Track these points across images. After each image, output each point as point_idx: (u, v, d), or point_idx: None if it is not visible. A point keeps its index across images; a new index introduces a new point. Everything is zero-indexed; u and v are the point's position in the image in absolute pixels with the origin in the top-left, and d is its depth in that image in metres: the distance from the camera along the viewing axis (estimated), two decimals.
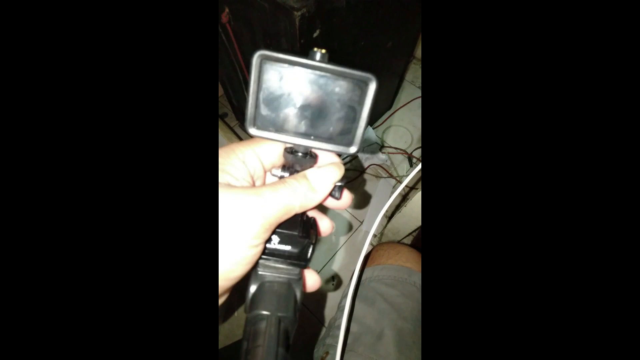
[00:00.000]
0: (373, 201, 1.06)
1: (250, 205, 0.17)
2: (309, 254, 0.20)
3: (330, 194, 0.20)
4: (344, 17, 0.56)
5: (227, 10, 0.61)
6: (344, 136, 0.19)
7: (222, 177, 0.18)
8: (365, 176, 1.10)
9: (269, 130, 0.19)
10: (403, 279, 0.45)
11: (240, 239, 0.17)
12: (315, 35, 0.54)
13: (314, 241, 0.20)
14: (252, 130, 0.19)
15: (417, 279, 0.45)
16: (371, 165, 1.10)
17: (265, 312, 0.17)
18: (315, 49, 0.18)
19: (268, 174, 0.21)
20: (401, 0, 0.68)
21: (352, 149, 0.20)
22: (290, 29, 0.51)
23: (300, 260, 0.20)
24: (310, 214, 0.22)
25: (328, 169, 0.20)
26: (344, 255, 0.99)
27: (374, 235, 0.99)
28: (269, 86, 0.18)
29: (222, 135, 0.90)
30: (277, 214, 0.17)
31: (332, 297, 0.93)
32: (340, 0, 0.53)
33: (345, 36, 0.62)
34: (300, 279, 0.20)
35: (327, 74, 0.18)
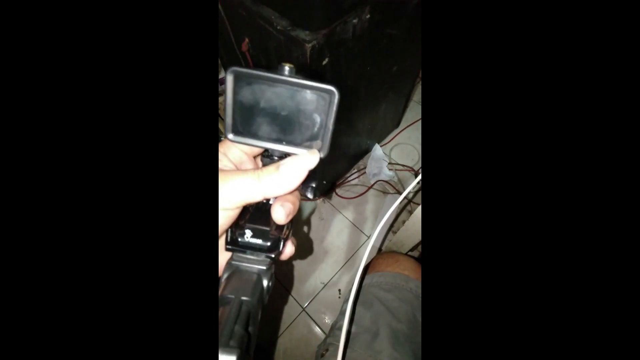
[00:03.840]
0: (380, 216, 1.09)
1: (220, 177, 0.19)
2: (279, 249, 0.21)
3: (304, 194, 0.22)
4: (351, 47, 0.63)
5: (247, 40, 0.69)
6: (313, 142, 0.21)
7: None
8: (373, 192, 1.14)
9: (245, 137, 0.21)
10: (400, 285, 0.48)
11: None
12: (324, 62, 0.60)
13: (285, 237, 0.22)
14: (230, 137, 0.21)
15: (414, 285, 0.48)
16: (378, 181, 1.14)
17: (230, 296, 0.19)
18: (284, 64, 0.19)
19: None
20: (405, 29, 0.74)
21: (322, 152, 0.21)
22: (302, 58, 0.57)
23: (271, 253, 0.21)
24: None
25: (300, 157, 0.20)
26: (350, 268, 1.02)
27: (379, 249, 1.02)
28: (243, 98, 0.20)
29: None
30: (236, 191, 0.19)
31: (339, 308, 0.95)
32: (347, 33, 0.59)
33: (353, 63, 0.68)
34: (270, 269, 0.21)
35: (294, 87, 0.19)
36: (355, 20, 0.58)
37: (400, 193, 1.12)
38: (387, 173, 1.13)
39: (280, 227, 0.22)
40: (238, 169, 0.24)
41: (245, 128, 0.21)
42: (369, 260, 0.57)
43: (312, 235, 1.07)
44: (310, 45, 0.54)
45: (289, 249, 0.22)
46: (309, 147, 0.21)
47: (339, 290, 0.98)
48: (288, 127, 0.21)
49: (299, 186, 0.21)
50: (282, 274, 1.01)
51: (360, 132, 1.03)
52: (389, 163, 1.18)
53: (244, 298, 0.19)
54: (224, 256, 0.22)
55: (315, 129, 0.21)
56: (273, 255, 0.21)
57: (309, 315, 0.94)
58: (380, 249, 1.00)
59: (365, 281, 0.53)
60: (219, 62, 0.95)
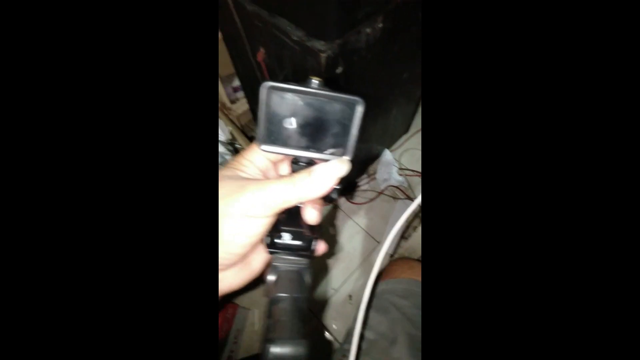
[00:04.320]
0: (390, 222, 1.09)
1: (251, 185, 0.21)
2: (313, 247, 0.23)
3: (328, 196, 0.23)
4: (364, 55, 0.64)
5: (262, 50, 0.71)
6: (338, 148, 0.23)
7: (233, 172, 0.23)
8: (383, 197, 1.14)
9: (277, 146, 0.22)
10: (415, 292, 0.48)
11: (239, 211, 0.21)
12: (338, 71, 0.61)
13: (318, 237, 0.23)
14: (263, 147, 0.23)
15: None
16: (388, 187, 1.14)
17: (283, 295, 0.21)
18: (312, 77, 0.21)
19: (281, 169, 0.26)
20: (416, 37, 0.75)
21: (347, 158, 0.23)
22: (317, 67, 0.58)
23: (307, 252, 0.23)
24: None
25: (331, 164, 0.22)
26: (361, 274, 1.01)
27: (390, 255, 1.02)
28: (275, 110, 0.21)
29: None
30: (274, 197, 0.21)
31: (351, 315, 0.95)
32: (361, 42, 0.61)
33: (365, 70, 0.69)
34: (309, 267, 0.23)
35: (322, 98, 0.21)
36: (368, 30, 0.60)
37: (410, 198, 1.12)
38: (397, 178, 1.13)
39: (312, 228, 0.24)
40: (265, 177, 0.25)
41: (276, 138, 0.22)
42: (383, 266, 0.57)
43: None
44: (325, 55, 0.55)
45: (322, 246, 0.24)
46: (335, 154, 0.23)
47: (350, 296, 0.98)
48: (316, 136, 0.22)
49: (330, 190, 0.22)
50: None
51: (371, 137, 1.04)
52: (399, 168, 1.18)
53: (295, 295, 0.21)
54: (262, 256, 0.25)
55: (341, 137, 0.23)
56: (310, 254, 0.23)
57: (321, 322, 0.94)
58: (391, 255, 1.00)
59: (379, 287, 0.53)
60: (234, 71, 0.97)
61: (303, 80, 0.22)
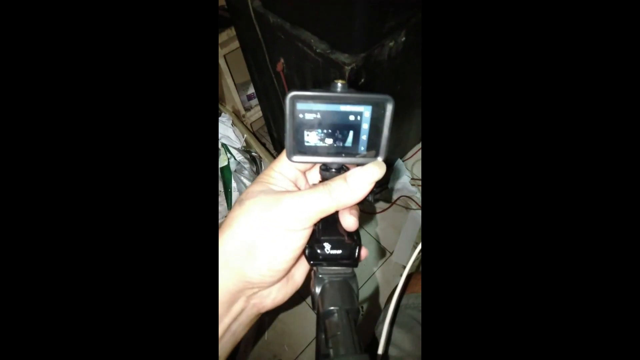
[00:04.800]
0: (403, 232, 1.08)
1: (286, 198, 0.20)
2: (357, 254, 0.22)
3: (365, 200, 0.22)
4: (385, 68, 0.64)
5: (282, 60, 0.71)
6: (370, 150, 0.22)
7: (264, 186, 0.23)
8: (395, 207, 1.13)
9: (307, 155, 0.22)
10: None
11: (278, 226, 0.20)
12: (360, 83, 0.61)
13: (359, 243, 0.22)
14: (294, 158, 0.22)
15: None
16: (401, 197, 1.13)
17: (334, 308, 0.20)
18: (336, 81, 0.20)
19: (310, 176, 0.25)
20: None
21: (379, 159, 0.22)
22: (340, 79, 0.59)
23: (351, 260, 0.22)
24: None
25: (367, 168, 0.21)
26: (373, 284, 1.00)
27: (404, 267, 1.01)
28: (302, 119, 0.21)
29: (265, 158, 0.99)
30: (312, 208, 0.20)
31: (363, 325, 0.94)
32: (383, 55, 0.61)
33: (385, 82, 0.69)
34: (354, 275, 0.22)
35: (349, 103, 0.20)
36: (391, 43, 0.60)
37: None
38: (409, 189, 1.13)
39: (351, 234, 0.23)
40: (297, 187, 0.25)
41: (305, 147, 0.22)
42: (399, 279, 0.56)
43: None
44: (349, 67, 0.56)
45: (364, 252, 0.23)
46: (367, 156, 0.22)
47: (362, 306, 0.97)
48: (345, 140, 0.22)
49: (367, 195, 0.21)
50: (305, 289, 1.00)
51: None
52: (412, 179, 1.17)
53: (346, 307, 0.20)
54: (304, 269, 0.25)
55: (373, 138, 0.22)
56: (354, 262, 0.22)
57: None
58: (404, 267, 0.99)
59: (401, 302, 0.52)
60: (250, 79, 0.98)
61: (327, 85, 0.21)
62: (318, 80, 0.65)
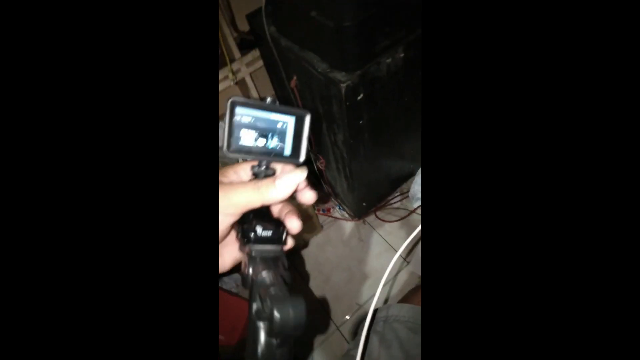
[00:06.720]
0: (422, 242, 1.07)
1: (224, 187, 0.24)
2: (284, 236, 0.27)
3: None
4: (386, 82, 0.67)
5: (295, 77, 0.78)
6: (294, 152, 0.27)
7: (220, 177, 0.27)
8: (415, 216, 1.12)
9: (239, 152, 0.25)
10: None
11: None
12: (359, 98, 0.65)
13: (284, 227, 0.27)
14: (227, 153, 0.25)
15: None
16: (420, 206, 1.12)
17: (265, 272, 0.24)
18: (267, 97, 0.25)
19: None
20: None
21: (300, 160, 0.27)
22: (338, 94, 0.64)
23: (280, 240, 0.27)
24: (286, 211, 0.28)
25: (293, 173, 0.25)
26: (386, 293, 1.01)
27: (419, 277, 1.00)
28: (238, 121, 0.25)
29: None
30: (242, 199, 0.24)
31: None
32: (381, 71, 0.64)
33: (389, 95, 0.72)
34: (283, 253, 0.27)
35: (277, 112, 0.25)
36: (388, 60, 0.63)
37: None
38: None
39: (278, 221, 0.27)
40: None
41: (240, 145, 0.27)
42: (410, 287, 0.54)
43: (350, 256, 1.10)
44: (345, 85, 0.60)
45: (295, 224, 0.27)
46: (291, 157, 0.27)
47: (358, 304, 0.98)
48: (273, 142, 0.27)
49: (292, 194, 0.26)
50: (320, 290, 1.05)
51: (403, 155, 1.05)
52: None
53: (280, 272, 0.25)
54: (232, 253, 0.28)
55: (295, 142, 0.27)
56: (281, 240, 0.27)
57: (342, 335, 0.96)
58: (420, 277, 0.98)
59: (392, 310, 0.51)
60: (274, 93, 1.07)
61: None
62: (323, 95, 0.71)
